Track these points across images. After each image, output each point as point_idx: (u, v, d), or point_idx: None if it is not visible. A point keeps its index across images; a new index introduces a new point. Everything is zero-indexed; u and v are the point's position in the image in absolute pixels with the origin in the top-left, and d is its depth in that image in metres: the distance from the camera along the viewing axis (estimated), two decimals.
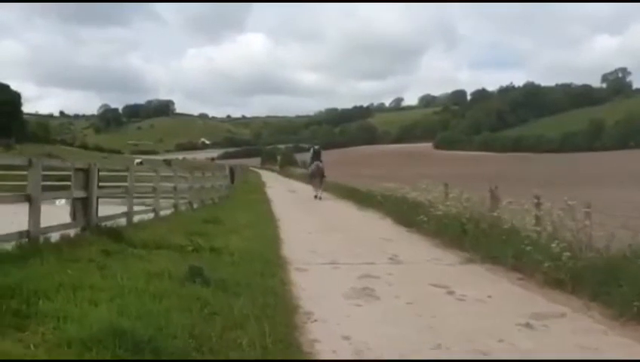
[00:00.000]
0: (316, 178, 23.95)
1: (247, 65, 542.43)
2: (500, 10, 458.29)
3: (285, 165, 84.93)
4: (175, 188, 13.00)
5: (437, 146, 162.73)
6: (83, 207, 7.53)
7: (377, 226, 13.30)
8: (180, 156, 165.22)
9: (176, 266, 6.36)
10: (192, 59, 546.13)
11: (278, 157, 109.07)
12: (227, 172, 28.76)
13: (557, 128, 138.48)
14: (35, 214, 6.18)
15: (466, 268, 8.26)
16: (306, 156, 28.28)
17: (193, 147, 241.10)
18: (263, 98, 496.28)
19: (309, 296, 6.20)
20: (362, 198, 19.82)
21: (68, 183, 7.70)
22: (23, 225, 6.64)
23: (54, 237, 6.82)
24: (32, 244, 6.08)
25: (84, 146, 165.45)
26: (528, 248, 7.15)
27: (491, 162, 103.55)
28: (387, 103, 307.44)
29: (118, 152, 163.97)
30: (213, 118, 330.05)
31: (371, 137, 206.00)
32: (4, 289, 4.42)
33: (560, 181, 44.64)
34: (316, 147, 25.77)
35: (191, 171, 16.77)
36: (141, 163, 67.45)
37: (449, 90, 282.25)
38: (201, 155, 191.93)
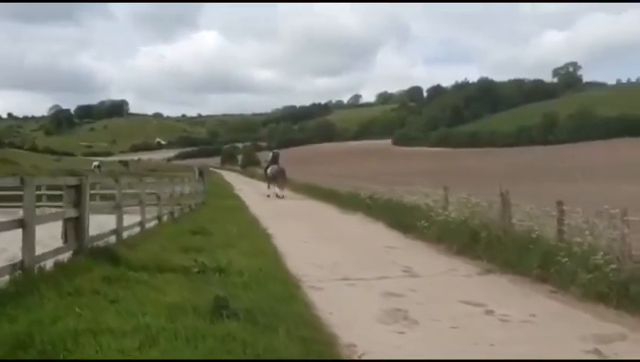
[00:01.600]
0: (278, 179, 26.37)
1: (201, 63, 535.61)
2: (451, 9, 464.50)
3: (247, 165, 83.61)
4: (159, 197, 12.17)
5: (395, 143, 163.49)
6: (75, 228, 6.72)
7: (373, 233, 12.79)
8: (135, 157, 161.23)
9: (193, 295, 5.69)
10: (145, 58, 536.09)
11: (239, 157, 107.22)
12: (197, 175, 27.79)
13: (511, 122, 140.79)
14: (29, 242, 5.38)
15: (489, 280, 7.82)
16: (268, 156, 31.05)
17: (148, 147, 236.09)
18: (218, 96, 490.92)
19: (342, 323, 5.62)
20: (344, 201, 19.32)
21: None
22: (10, 251, 5.84)
23: (48, 264, 6.01)
24: (26, 277, 5.29)
25: (34, 149, 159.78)
26: (564, 259, 6.70)
27: (450, 158, 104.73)
28: (345, 100, 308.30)
29: (71, 155, 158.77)
30: (168, 117, 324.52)
31: (330, 134, 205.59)
32: (14, 340, 3.70)
33: (523, 175, 45.22)
34: (275, 151, 28.87)
35: (171, 178, 15.90)
36: (98, 166, 65.16)
37: (405, 86, 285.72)
38: (156, 156, 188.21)
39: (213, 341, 4.25)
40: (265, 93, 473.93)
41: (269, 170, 27.31)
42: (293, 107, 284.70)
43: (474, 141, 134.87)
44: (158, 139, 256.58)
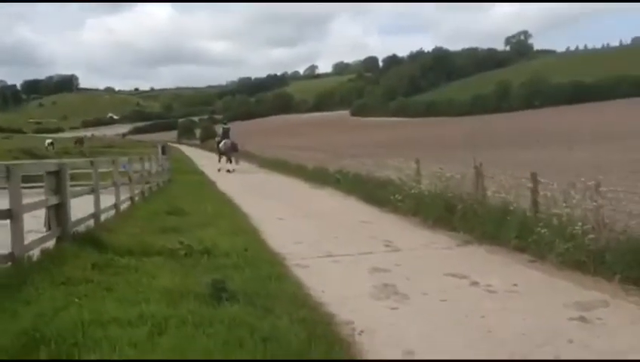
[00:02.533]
0: (229, 154, 26.59)
1: (151, 35, 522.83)
2: None
3: (206, 139, 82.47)
4: (130, 178, 11.96)
5: (354, 113, 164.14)
6: (57, 215, 6.58)
7: (346, 207, 12.91)
8: (88, 133, 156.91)
9: (187, 279, 5.71)
10: (92, 31, 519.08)
11: (198, 131, 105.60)
12: (161, 152, 27.36)
13: (466, 91, 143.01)
14: (18, 232, 5.26)
15: (469, 251, 8.05)
16: (219, 130, 31.49)
17: (100, 123, 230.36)
18: (170, 69, 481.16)
19: (335, 301, 5.71)
20: (312, 175, 19.38)
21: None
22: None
23: (34, 253, 5.90)
24: (17, 268, 5.18)
25: None
26: (543, 230, 6.96)
27: (409, 127, 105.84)
28: (301, 71, 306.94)
29: (20, 132, 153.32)
30: (120, 91, 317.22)
31: (288, 106, 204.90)
32: (25, 337, 3.66)
33: (481, 143, 46.15)
34: (225, 126, 28.50)
35: (139, 156, 15.61)
36: (52, 144, 63.07)
37: (361, 56, 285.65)
38: (110, 131, 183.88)
39: (221, 326, 4.31)
40: (219, 65, 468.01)
41: (221, 145, 27.39)
42: (249, 79, 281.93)
43: (431, 110, 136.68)
44: (110, 114, 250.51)
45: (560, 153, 31.21)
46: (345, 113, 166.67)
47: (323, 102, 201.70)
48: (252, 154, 37.38)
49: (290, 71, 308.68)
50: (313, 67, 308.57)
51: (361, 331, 4.88)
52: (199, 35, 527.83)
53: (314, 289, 6.17)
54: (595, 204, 6.71)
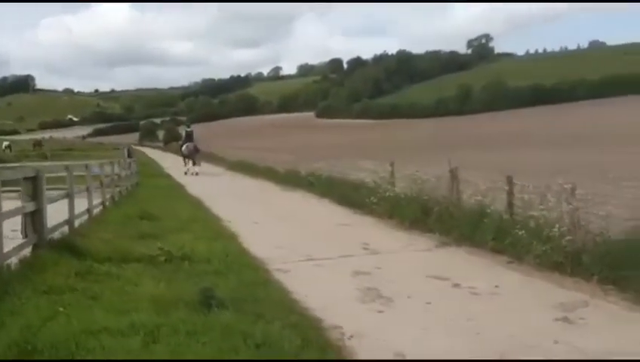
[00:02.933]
0: (192, 157, 26.71)
1: (111, 35, 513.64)
2: None
3: (170, 141, 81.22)
4: (102, 183, 11.71)
5: (318, 115, 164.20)
6: (33, 221, 6.40)
7: (321, 210, 12.92)
8: (46, 135, 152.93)
9: (172, 287, 5.64)
10: (49, 31, 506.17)
11: (161, 133, 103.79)
12: (127, 155, 26.90)
13: (429, 94, 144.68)
14: None
15: (447, 253, 8.16)
16: (182, 132, 31.91)
17: (59, 125, 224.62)
18: (131, 69, 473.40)
19: (321, 306, 5.70)
20: (283, 178, 19.33)
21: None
22: None
23: (12, 261, 5.72)
24: None
25: None
26: (521, 232, 7.10)
27: (374, 129, 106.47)
28: (265, 73, 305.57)
29: None
30: (80, 92, 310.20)
31: (252, 108, 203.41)
32: (16, 349, 3.55)
33: (444, 145, 46.79)
34: (188, 129, 28.81)
35: (112, 160, 15.30)
36: (9, 146, 61.38)
37: (325, 58, 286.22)
38: (69, 133, 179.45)
39: (214, 334, 4.26)
40: (182, 66, 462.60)
41: (183, 148, 27.50)
42: (212, 80, 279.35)
43: (395, 113, 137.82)
44: (69, 116, 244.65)
45: (526, 155, 31.85)
46: (310, 115, 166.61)
47: (287, 103, 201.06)
48: (219, 156, 37.02)
49: (254, 72, 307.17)
50: (277, 68, 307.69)
51: (351, 335, 4.90)
52: (160, 36, 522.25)
53: (298, 294, 6.15)
54: (571, 206, 6.87)
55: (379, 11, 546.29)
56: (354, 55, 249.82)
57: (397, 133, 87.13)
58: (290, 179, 18.51)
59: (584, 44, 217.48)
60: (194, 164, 26.46)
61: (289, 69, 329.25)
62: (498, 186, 8.76)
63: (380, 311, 5.59)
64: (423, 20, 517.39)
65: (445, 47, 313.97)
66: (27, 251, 6.25)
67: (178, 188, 18.30)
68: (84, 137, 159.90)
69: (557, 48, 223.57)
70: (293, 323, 4.89)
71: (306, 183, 16.91)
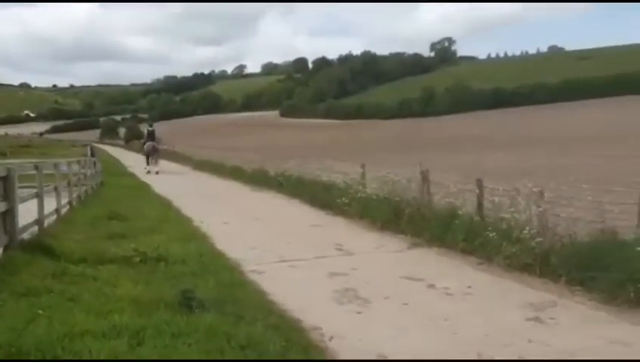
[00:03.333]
0: (153, 156, 26.93)
1: (70, 29, 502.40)
2: None
3: (131, 139, 79.82)
4: (69, 182, 11.49)
5: (283, 114, 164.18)
6: (4, 222, 6.27)
7: (292, 211, 12.96)
8: (1, 131, 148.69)
9: (150, 288, 5.62)
10: (2, 23, 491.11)
11: (123, 131, 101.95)
12: (89, 153, 26.41)
13: (393, 95, 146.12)
14: None
15: (419, 254, 8.31)
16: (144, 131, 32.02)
17: (15, 120, 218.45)
18: (91, 65, 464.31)
19: (299, 307, 5.75)
20: (251, 178, 19.28)
21: None
22: None
23: None
24: None
25: None
26: (492, 234, 7.30)
27: (340, 130, 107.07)
28: (229, 70, 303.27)
29: None
30: (37, 88, 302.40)
31: (216, 106, 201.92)
32: (2, 353, 3.51)
33: (413, 145, 47.41)
34: (150, 128, 28.71)
35: (79, 159, 15.00)
36: None
37: (290, 57, 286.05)
38: (25, 129, 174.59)
39: (198, 335, 4.27)
40: (143, 63, 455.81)
41: (145, 147, 27.70)
42: (175, 77, 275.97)
43: (360, 113, 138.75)
44: (26, 112, 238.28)
45: (490, 157, 32.53)
46: (274, 114, 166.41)
47: (251, 102, 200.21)
48: (184, 155, 36.68)
49: (217, 70, 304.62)
50: (241, 67, 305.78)
51: (331, 337, 4.96)
52: (121, 31, 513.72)
53: (276, 296, 6.19)
54: (540, 209, 7.10)
55: (343, 12, 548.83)
56: (319, 55, 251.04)
57: (364, 133, 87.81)
58: (259, 179, 18.48)
59: (544, 49, 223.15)
60: (155, 163, 26.64)
61: (253, 67, 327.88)
62: (468, 188, 8.98)
63: (359, 312, 5.68)
64: (387, 22, 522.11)
65: (409, 49, 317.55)
66: None
67: (144, 188, 18.07)
68: (41, 134, 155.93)
69: (517, 52, 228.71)
70: (274, 325, 4.94)
71: (275, 183, 16.92)
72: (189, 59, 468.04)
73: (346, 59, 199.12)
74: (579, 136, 50.29)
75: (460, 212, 8.30)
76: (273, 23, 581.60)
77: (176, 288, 5.66)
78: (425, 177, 9.83)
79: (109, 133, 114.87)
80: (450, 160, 30.81)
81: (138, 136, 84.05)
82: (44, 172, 9.30)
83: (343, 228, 10.64)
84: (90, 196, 14.17)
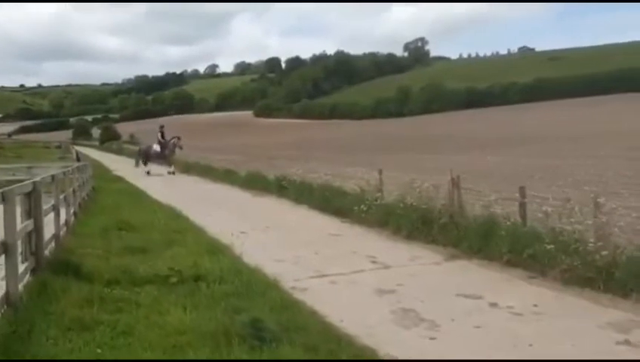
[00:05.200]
0: (168, 156, 26.91)
1: (38, 27, 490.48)
2: None
3: (107, 140, 78.10)
4: (74, 191, 10.78)
5: (257, 114, 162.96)
6: (30, 242, 5.65)
7: (306, 218, 12.42)
8: None
9: (205, 316, 5.08)
10: None
11: (97, 131, 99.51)
12: (75, 157, 25.46)
13: (368, 95, 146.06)
14: (12, 268, 4.38)
15: (461, 267, 7.88)
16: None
17: None
18: (60, 64, 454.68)
19: (362, 331, 5.34)
20: (247, 182, 18.69)
21: None
22: None
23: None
24: (16, 312, 4.32)
25: None
26: (550, 246, 6.92)
27: (317, 130, 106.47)
28: (201, 70, 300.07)
29: None
30: (4, 87, 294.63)
31: (188, 106, 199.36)
32: None
33: (390, 146, 47.18)
34: (161, 129, 28.48)
35: (79, 166, 14.22)
36: None
37: (263, 57, 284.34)
38: None
39: None
40: (113, 62, 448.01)
41: (155, 148, 27.56)
42: (146, 77, 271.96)
43: (335, 113, 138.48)
44: None
45: (475, 157, 32.37)
46: (248, 113, 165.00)
47: (225, 102, 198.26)
48: (175, 159, 35.56)
49: (189, 69, 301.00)
50: (214, 66, 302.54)
51: None
52: (90, 30, 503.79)
53: (332, 318, 5.73)
54: (601, 219, 6.75)
55: (315, 12, 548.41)
56: (292, 54, 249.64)
57: (342, 132, 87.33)
58: (257, 183, 17.91)
59: (514, 50, 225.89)
60: (170, 165, 26.48)
61: (226, 66, 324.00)
62: (505, 196, 8.63)
63: (432, 338, 5.23)
64: (359, 22, 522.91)
65: (382, 49, 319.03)
66: (27, 276, 5.50)
67: (140, 194, 17.34)
68: (9, 135, 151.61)
69: (489, 53, 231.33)
70: (356, 356, 4.50)
71: (275, 188, 16.37)
72: (161, 58, 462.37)
73: (319, 59, 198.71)
74: (558, 136, 50.69)
75: (508, 222, 7.86)
76: (245, 22, 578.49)
77: (229, 313, 5.18)
78: (455, 183, 9.43)
79: (83, 134, 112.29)
80: (438, 160, 30.66)
81: (114, 137, 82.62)
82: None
83: (365, 237, 10.17)
84: (88, 204, 13.44)
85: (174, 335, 4.48)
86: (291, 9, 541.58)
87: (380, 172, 11.73)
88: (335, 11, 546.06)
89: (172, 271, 6.46)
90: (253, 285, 6.47)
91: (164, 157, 26.50)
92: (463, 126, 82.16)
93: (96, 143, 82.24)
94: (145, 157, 27.84)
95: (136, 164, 28.12)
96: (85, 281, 5.82)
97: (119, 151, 55.14)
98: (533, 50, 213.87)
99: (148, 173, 25.74)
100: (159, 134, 27.47)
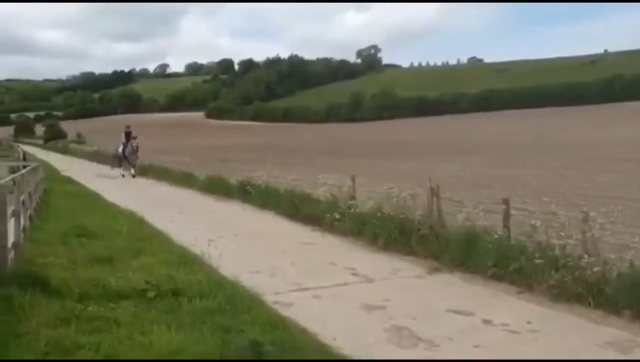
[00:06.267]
0: (131, 158, 25.19)
1: None
2: None
3: (52, 139, 75.10)
4: (30, 194, 10.04)
5: (208, 116, 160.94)
6: None
7: (275, 225, 11.99)
8: None
9: (191, 336, 4.68)
10: None
11: (41, 129, 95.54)
12: (22, 157, 24.16)
13: (321, 100, 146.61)
14: None
15: (445, 281, 7.67)
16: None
17: None
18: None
19: (359, 352, 5.10)
20: (207, 186, 18.12)
21: None
22: None
23: None
24: None
25: None
26: (538, 261, 6.79)
27: (266, 132, 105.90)
28: (151, 69, 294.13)
29: None
30: None
31: (136, 105, 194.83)
32: None
33: (348, 152, 47.21)
34: (128, 129, 26.42)
35: (34, 166, 13.33)
36: None
37: (214, 58, 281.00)
38: None
39: None
40: (57, 58, 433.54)
41: (119, 149, 26.11)
42: (92, 74, 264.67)
43: (288, 116, 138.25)
44: None
45: (431, 165, 32.61)
46: (199, 115, 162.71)
47: (175, 102, 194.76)
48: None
49: (138, 68, 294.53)
50: (164, 65, 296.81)
51: None
52: (30, 23, 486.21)
53: (324, 336, 5.44)
54: (591, 234, 6.68)
55: (267, 14, 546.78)
56: (244, 56, 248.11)
57: (298, 136, 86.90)
58: (218, 188, 17.36)
59: (464, 60, 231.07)
60: (132, 165, 25.17)
61: (177, 66, 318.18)
62: (489, 208, 8.52)
63: (434, 360, 4.99)
64: (313, 26, 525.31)
65: (335, 54, 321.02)
66: None
67: (94, 197, 16.50)
68: None
69: (439, 63, 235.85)
70: None
71: (237, 193, 15.90)
72: (108, 55, 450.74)
73: (273, 62, 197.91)
74: (509, 145, 51.84)
75: (495, 235, 7.69)
76: (195, 21, 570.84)
77: (218, 333, 4.82)
78: (435, 193, 9.26)
79: (25, 132, 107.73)
80: (393, 166, 30.77)
81: (58, 136, 79.46)
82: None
83: (340, 247, 9.86)
84: (41, 207, 12.63)
85: (164, 357, 4.06)
86: (242, 9, 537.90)
87: (353, 179, 11.46)
88: (288, 14, 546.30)
89: (149, 285, 5.99)
90: (237, 301, 6.06)
91: (126, 158, 25.36)
92: (415, 133, 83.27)
93: (40, 142, 78.96)
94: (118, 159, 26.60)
95: (112, 167, 26.81)
96: (55, 296, 5.30)
97: (65, 151, 53.09)
98: (481, 61, 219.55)
99: (123, 175, 24.71)
100: (123, 135, 26.19)
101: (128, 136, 25.83)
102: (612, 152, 38.09)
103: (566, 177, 23.03)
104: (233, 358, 4.14)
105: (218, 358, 4.14)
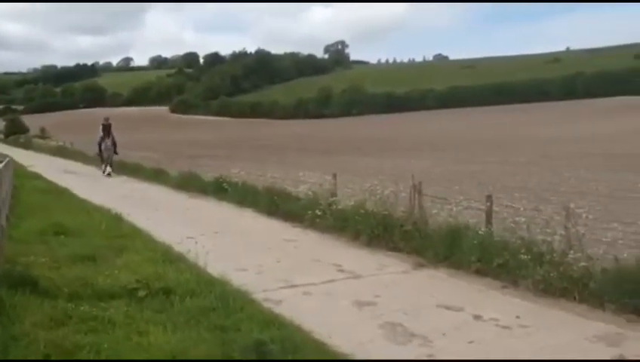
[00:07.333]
0: (109, 155, 23.70)
1: None
2: None
3: (13, 133, 73.02)
4: (6, 192, 9.72)
5: (173, 110, 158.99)
6: None
7: (254, 222, 11.91)
8: None
9: (189, 335, 4.64)
10: None
11: (1, 123, 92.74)
12: None
13: (288, 95, 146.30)
14: None
15: (431, 277, 7.75)
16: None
17: None
18: None
19: (357, 349, 5.11)
20: (180, 182, 17.88)
21: None
22: None
23: None
24: None
25: None
26: (524, 256, 6.92)
27: (233, 127, 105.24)
28: (115, 63, 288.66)
29: None
30: None
31: (100, 99, 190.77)
32: None
33: (318, 148, 47.29)
34: (106, 122, 24.48)
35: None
36: None
37: (179, 52, 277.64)
38: None
39: None
40: (16, 50, 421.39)
41: (102, 146, 24.03)
42: (54, 67, 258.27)
43: (255, 112, 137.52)
44: None
45: (401, 161, 32.89)
46: (163, 109, 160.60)
47: (139, 96, 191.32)
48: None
49: (101, 61, 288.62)
50: (128, 59, 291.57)
51: None
52: None
53: (319, 334, 5.43)
54: (573, 230, 6.84)
55: (235, 8, 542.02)
56: (209, 50, 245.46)
57: (265, 131, 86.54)
58: (192, 184, 17.15)
59: (429, 57, 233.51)
60: (109, 164, 23.45)
61: (140, 60, 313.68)
62: (471, 204, 8.63)
63: (430, 355, 5.03)
64: (280, 21, 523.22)
65: (303, 49, 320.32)
66: None
67: (66, 193, 16.10)
68: None
69: (405, 59, 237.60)
70: None
71: (213, 190, 15.75)
72: (70, 48, 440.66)
73: (239, 57, 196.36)
74: (476, 141, 52.64)
75: (481, 232, 7.81)
76: (161, 15, 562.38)
77: (216, 332, 4.78)
78: (417, 189, 9.35)
79: None
80: (365, 163, 30.97)
81: (20, 130, 77.32)
82: None
83: (324, 243, 9.86)
84: (13, 204, 12.26)
85: (165, 357, 4.01)
86: (208, 4, 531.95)
87: (335, 176, 11.48)
88: (254, 10, 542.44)
89: (139, 284, 5.90)
90: (228, 299, 6.01)
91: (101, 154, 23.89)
92: (385, 130, 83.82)
93: (0, 136, 76.74)
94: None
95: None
96: (45, 297, 5.16)
97: (28, 146, 51.64)
98: (447, 58, 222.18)
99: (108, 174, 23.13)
100: (101, 128, 24.20)
101: (106, 129, 23.93)
102: (577, 148, 39.09)
103: (533, 173, 23.54)
104: (237, 358, 4.09)
105: (221, 358, 4.08)
